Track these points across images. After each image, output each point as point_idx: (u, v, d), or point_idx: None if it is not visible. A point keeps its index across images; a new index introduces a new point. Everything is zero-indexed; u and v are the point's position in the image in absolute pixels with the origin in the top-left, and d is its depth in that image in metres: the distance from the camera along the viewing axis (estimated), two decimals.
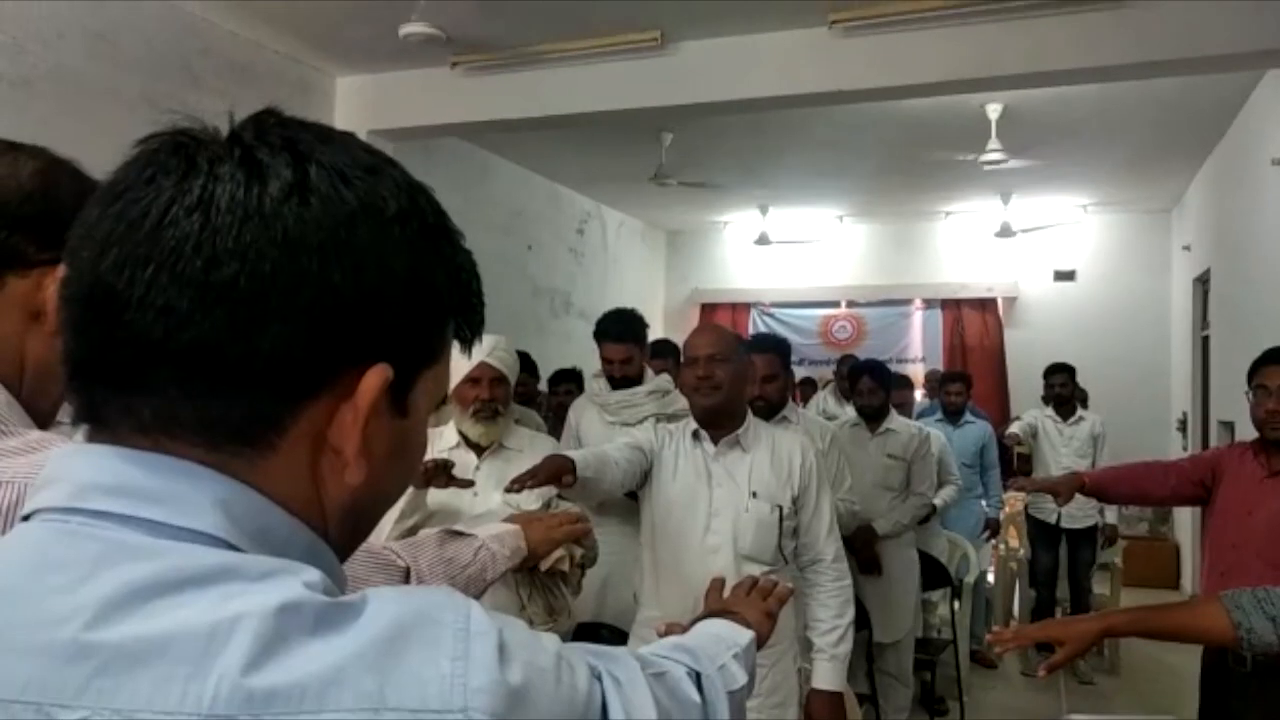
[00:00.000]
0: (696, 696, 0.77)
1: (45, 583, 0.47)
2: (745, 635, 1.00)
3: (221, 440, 0.51)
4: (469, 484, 2.20)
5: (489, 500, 2.31)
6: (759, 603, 1.19)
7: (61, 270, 0.83)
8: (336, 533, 0.57)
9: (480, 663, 0.47)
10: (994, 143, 5.28)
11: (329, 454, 0.54)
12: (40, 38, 3.30)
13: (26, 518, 0.52)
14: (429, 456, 2.24)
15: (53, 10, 3.33)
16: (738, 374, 2.38)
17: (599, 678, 0.59)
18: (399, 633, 0.47)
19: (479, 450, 2.51)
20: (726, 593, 1.26)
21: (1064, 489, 2.80)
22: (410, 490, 2.16)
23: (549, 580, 2.20)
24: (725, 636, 0.97)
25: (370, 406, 0.53)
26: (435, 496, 2.27)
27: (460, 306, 0.60)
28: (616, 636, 2.67)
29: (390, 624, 0.47)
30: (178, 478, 0.50)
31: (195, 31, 3.88)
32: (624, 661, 0.64)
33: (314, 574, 0.49)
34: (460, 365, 2.42)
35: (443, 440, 2.52)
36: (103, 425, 0.53)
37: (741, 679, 0.89)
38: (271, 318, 0.50)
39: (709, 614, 1.14)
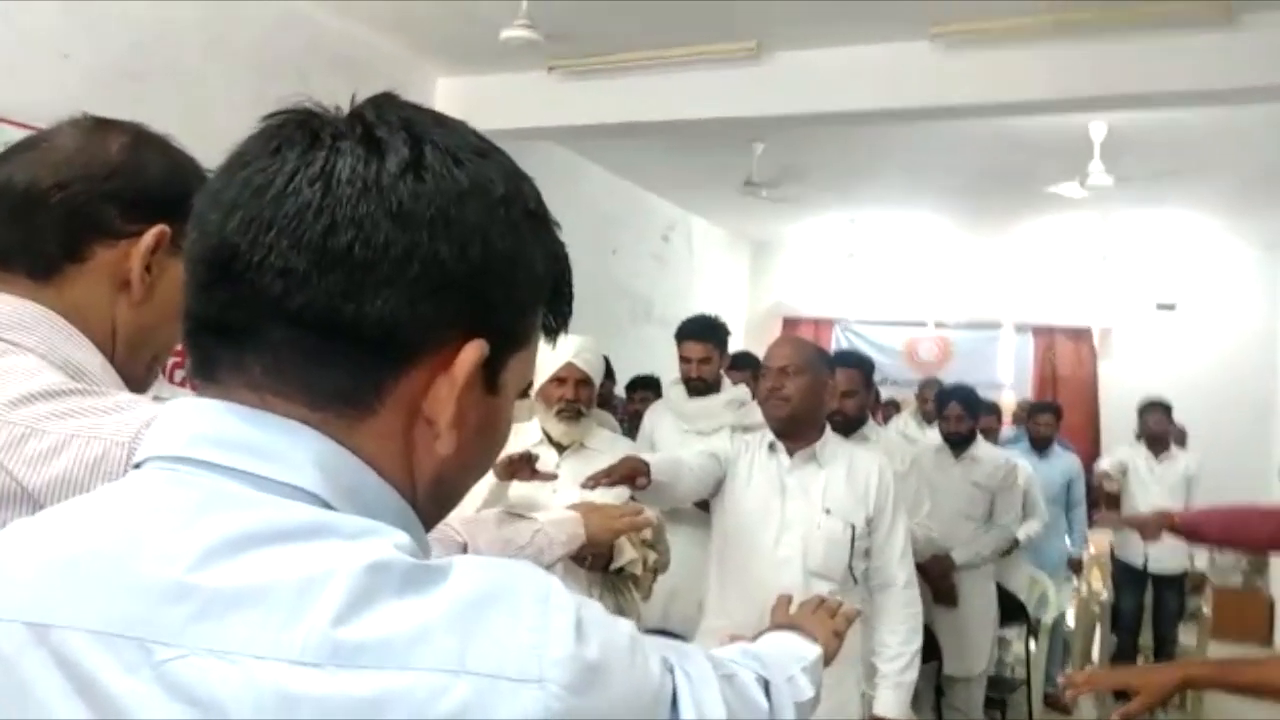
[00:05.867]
0: (764, 702, 0.77)
1: (152, 526, 0.51)
2: (813, 650, 1.00)
3: (324, 401, 0.54)
4: (552, 477, 2.23)
5: (568, 497, 2.33)
6: (827, 620, 1.17)
7: (150, 236, 0.89)
8: (424, 501, 0.59)
9: (558, 635, 0.48)
10: (1096, 164, 5.07)
11: (422, 424, 0.56)
12: (159, 33, 3.46)
13: (138, 465, 0.56)
14: (513, 449, 2.27)
15: (169, 8, 3.48)
16: (812, 387, 2.35)
17: (671, 670, 0.59)
18: (482, 599, 0.48)
19: (560, 449, 2.55)
20: (793, 609, 1.24)
21: (1151, 526, 2.69)
22: (493, 481, 2.20)
23: (620, 581, 2.22)
24: (793, 649, 0.97)
25: (466, 379, 0.55)
26: (516, 490, 2.31)
27: (552, 294, 0.62)
28: None
29: (474, 590, 0.49)
30: (280, 434, 0.53)
31: (304, 30, 4.02)
32: (695, 658, 0.65)
33: (403, 537, 0.51)
34: (546, 365, 2.45)
35: (525, 436, 2.56)
36: (214, 381, 0.56)
37: (809, 692, 0.89)
38: (382, 284, 0.52)
39: (775, 628, 1.13)
